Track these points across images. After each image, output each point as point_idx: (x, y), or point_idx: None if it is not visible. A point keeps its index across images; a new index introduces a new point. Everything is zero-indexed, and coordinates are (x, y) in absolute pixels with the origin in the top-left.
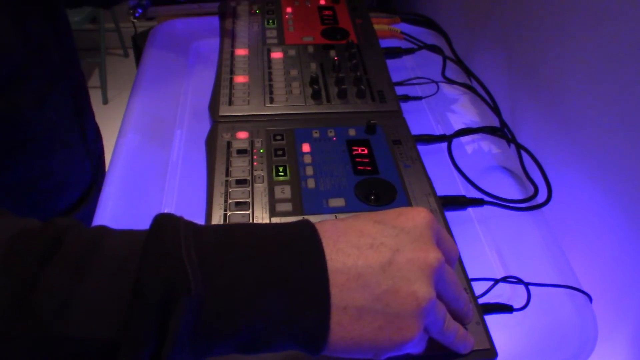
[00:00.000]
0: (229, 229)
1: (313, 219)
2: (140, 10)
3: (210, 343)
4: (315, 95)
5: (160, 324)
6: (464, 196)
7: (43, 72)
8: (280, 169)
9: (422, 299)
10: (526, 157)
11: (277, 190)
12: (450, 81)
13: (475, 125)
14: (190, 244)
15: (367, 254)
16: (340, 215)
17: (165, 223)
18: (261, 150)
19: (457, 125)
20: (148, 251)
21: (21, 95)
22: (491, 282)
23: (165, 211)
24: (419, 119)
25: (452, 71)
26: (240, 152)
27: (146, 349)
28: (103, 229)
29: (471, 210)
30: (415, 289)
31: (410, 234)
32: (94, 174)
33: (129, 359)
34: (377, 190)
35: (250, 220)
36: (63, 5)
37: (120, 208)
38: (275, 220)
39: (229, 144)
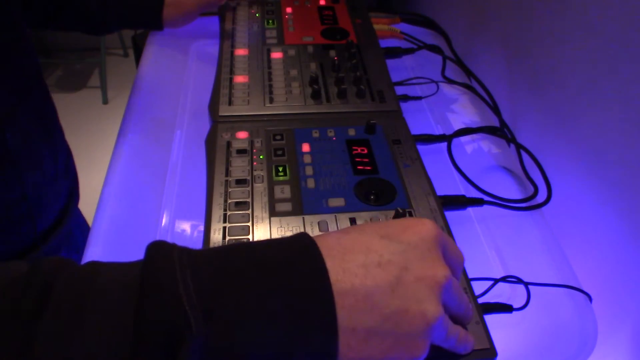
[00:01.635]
0: (225, 255)
1: (313, 218)
2: None
3: None
4: (315, 95)
5: None
6: (463, 196)
7: (1, 92)
8: (280, 168)
9: (432, 318)
10: (526, 157)
11: (277, 190)
12: (450, 81)
13: (475, 125)
14: (187, 278)
15: (375, 272)
16: (340, 215)
17: (158, 256)
18: (261, 152)
19: (457, 125)
20: (144, 292)
21: None
22: (491, 282)
23: (165, 212)
24: (419, 119)
25: (452, 71)
26: (240, 152)
27: None
28: (92, 267)
29: (471, 210)
30: (424, 309)
31: (417, 249)
32: (69, 194)
33: None
34: (377, 190)
35: (250, 220)
36: (22, 18)
37: (120, 208)
38: (274, 219)
39: (228, 144)
